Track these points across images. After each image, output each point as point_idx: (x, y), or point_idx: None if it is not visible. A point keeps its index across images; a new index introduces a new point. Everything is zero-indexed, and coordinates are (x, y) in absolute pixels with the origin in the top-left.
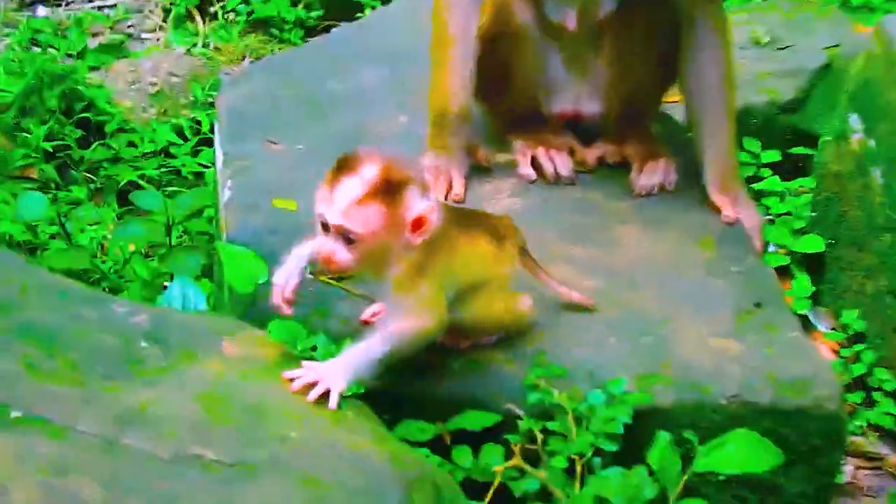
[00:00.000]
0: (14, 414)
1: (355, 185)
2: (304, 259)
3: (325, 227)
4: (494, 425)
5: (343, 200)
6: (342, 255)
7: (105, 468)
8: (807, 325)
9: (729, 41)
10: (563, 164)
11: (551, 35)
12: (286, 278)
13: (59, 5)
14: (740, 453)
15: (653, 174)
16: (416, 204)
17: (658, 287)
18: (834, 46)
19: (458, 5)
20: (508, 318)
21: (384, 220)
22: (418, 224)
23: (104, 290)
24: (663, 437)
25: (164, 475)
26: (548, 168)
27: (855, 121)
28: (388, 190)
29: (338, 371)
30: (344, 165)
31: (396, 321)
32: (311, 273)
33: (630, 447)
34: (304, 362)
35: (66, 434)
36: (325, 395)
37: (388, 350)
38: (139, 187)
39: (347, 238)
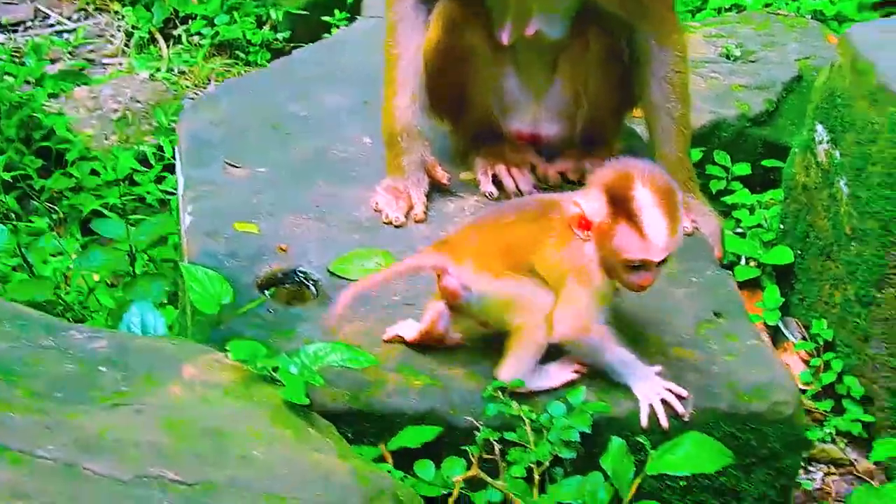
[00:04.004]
0: None
1: None
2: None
3: None
4: (458, 439)
5: None
6: None
7: (65, 493)
8: (778, 335)
9: (683, 58)
10: (523, 181)
11: (504, 54)
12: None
13: (16, 31)
14: (691, 455)
15: None
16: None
17: (618, 299)
18: (806, 58)
19: (402, 23)
20: None
21: None
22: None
23: (68, 321)
24: (617, 442)
25: (125, 497)
26: (509, 185)
27: (821, 132)
28: None
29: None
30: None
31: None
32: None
33: (592, 456)
34: None
35: (25, 460)
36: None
37: None
38: (104, 216)
39: None
